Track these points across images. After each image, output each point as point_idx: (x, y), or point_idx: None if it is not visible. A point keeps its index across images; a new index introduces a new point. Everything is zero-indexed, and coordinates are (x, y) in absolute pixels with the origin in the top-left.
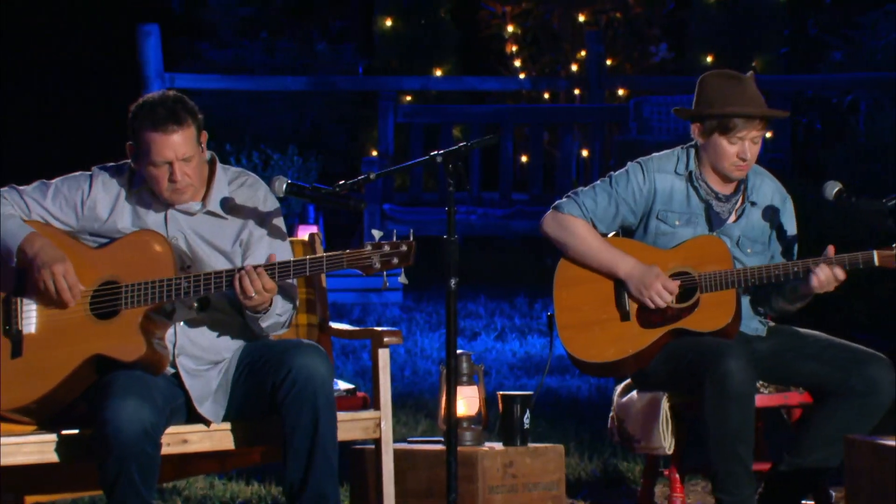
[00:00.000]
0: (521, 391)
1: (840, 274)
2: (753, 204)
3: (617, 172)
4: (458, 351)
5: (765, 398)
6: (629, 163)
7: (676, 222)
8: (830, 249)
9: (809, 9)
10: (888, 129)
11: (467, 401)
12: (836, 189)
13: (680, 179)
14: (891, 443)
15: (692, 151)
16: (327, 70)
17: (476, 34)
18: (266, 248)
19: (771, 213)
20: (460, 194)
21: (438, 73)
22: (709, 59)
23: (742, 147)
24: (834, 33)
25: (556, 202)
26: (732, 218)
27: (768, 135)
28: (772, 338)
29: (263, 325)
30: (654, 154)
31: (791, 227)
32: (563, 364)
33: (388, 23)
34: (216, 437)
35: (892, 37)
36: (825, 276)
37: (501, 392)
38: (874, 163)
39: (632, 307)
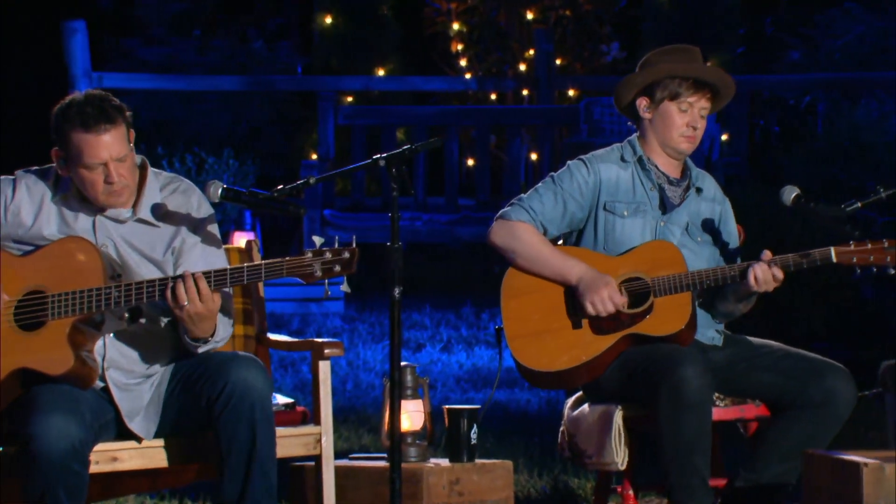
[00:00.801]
0: (468, 405)
1: (778, 273)
2: (699, 191)
3: (558, 171)
4: (403, 363)
5: (720, 411)
6: (569, 161)
7: (625, 212)
8: (767, 254)
9: (766, 7)
10: (846, 132)
11: (412, 415)
12: (794, 194)
13: (625, 168)
14: (851, 457)
15: (635, 140)
16: (264, 69)
17: (420, 32)
18: (199, 255)
19: (714, 207)
20: (404, 199)
21: (381, 72)
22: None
23: (693, 115)
24: (791, 32)
25: (501, 210)
26: (680, 203)
27: (724, 137)
28: (728, 348)
29: (200, 351)
30: (593, 151)
31: (733, 229)
32: (511, 377)
33: (328, 20)
34: (148, 454)
35: (851, 36)
36: (763, 273)
37: (447, 406)
38: (833, 166)
39: (585, 314)
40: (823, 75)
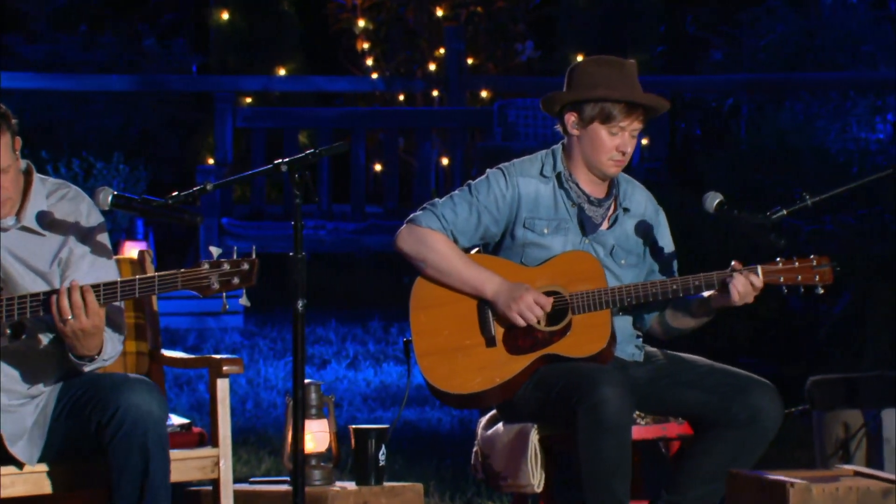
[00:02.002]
0: (376, 424)
1: (757, 281)
2: (626, 210)
3: (476, 180)
4: (306, 381)
5: (641, 430)
6: (489, 169)
7: (545, 230)
8: (737, 265)
9: (687, 4)
10: (771, 136)
11: (316, 436)
12: (717, 201)
13: (546, 183)
14: (776, 477)
15: (559, 152)
16: (156, 68)
17: (323, 29)
18: (88, 267)
19: (645, 226)
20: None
21: (282, 72)
22: (579, 57)
23: (623, 139)
24: (713, 31)
25: (412, 215)
26: (605, 225)
27: (644, 141)
28: (649, 363)
29: (86, 369)
30: (515, 160)
31: (667, 241)
32: (422, 394)
33: (225, 16)
34: (31, 480)
35: (775, 35)
36: (743, 286)
37: (354, 426)
38: (757, 172)
39: (498, 331)
40: (747, 76)
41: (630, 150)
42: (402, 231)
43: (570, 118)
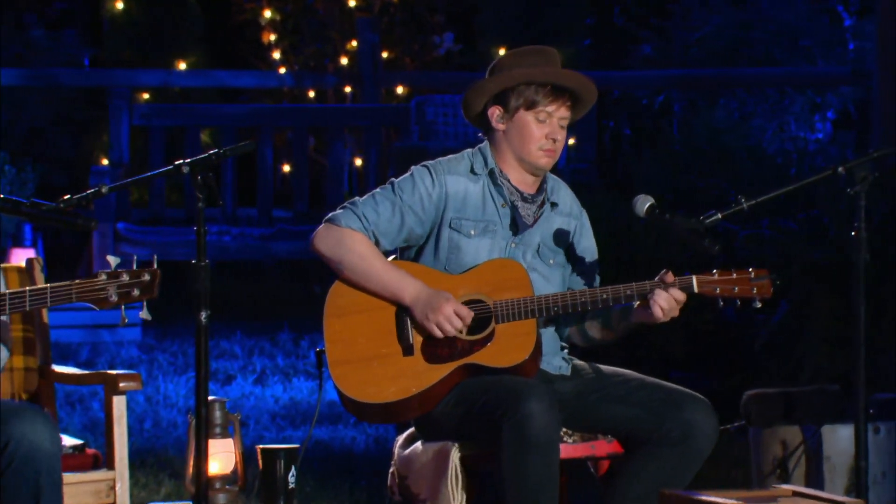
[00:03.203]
0: (286, 444)
1: (679, 295)
2: (554, 206)
3: (400, 178)
4: (210, 398)
5: (568, 448)
6: (413, 167)
7: (472, 231)
8: (669, 276)
9: None
10: (705, 135)
11: (221, 457)
12: (648, 204)
13: (476, 182)
14: (711, 498)
15: (487, 149)
16: (45, 61)
17: (227, 20)
18: None
19: (569, 223)
20: (211, 211)
21: (182, 66)
22: (501, 51)
23: (552, 126)
24: (643, 24)
25: (331, 214)
26: (533, 222)
27: (571, 141)
28: (576, 377)
29: None
30: (441, 158)
31: (591, 245)
32: (335, 411)
33: (120, 5)
34: None
35: (708, 28)
36: (666, 302)
37: (261, 446)
38: (690, 173)
39: (416, 339)
40: (679, 72)
41: (560, 138)
42: (320, 230)
43: (495, 112)
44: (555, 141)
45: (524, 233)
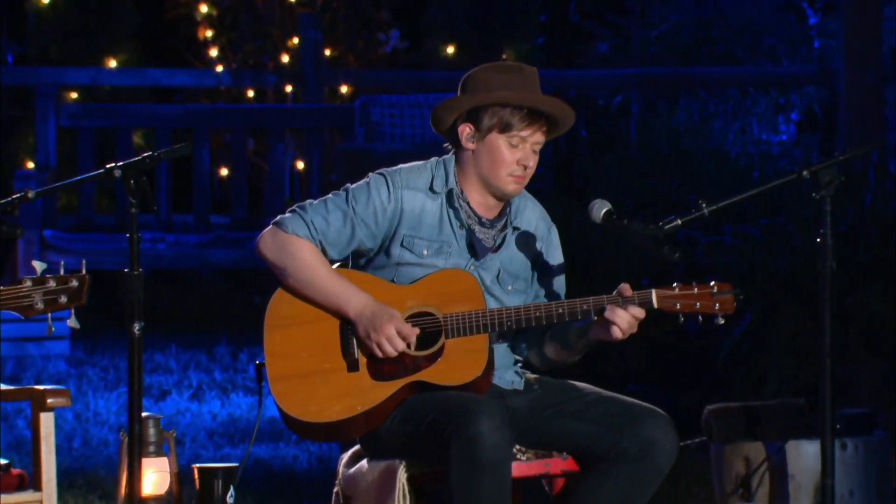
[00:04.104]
0: (224, 463)
1: (638, 312)
2: (516, 230)
3: (355, 185)
4: (144, 414)
5: (522, 466)
6: (371, 174)
7: (425, 252)
8: (627, 289)
9: None
10: (665, 137)
11: (155, 477)
12: (605, 210)
13: (434, 200)
14: None
15: (451, 165)
16: None
17: (160, 16)
18: None
19: (535, 245)
20: (145, 217)
21: (113, 63)
22: (450, 49)
23: (524, 151)
24: (599, 20)
25: (279, 217)
26: (494, 247)
27: None
28: (530, 392)
29: None
30: (403, 166)
31: (558, 263)
32: (275, 428)
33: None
34: None
35: (667, 25)
36: (625, 321)
37: (198, 465)
38: (649, 177)
39: (361, 355)
40: (637, 71)
41: (532, 164)
42: (266, 234)
43: (465, 130)
44: (526, 168)
45: (484, 258)
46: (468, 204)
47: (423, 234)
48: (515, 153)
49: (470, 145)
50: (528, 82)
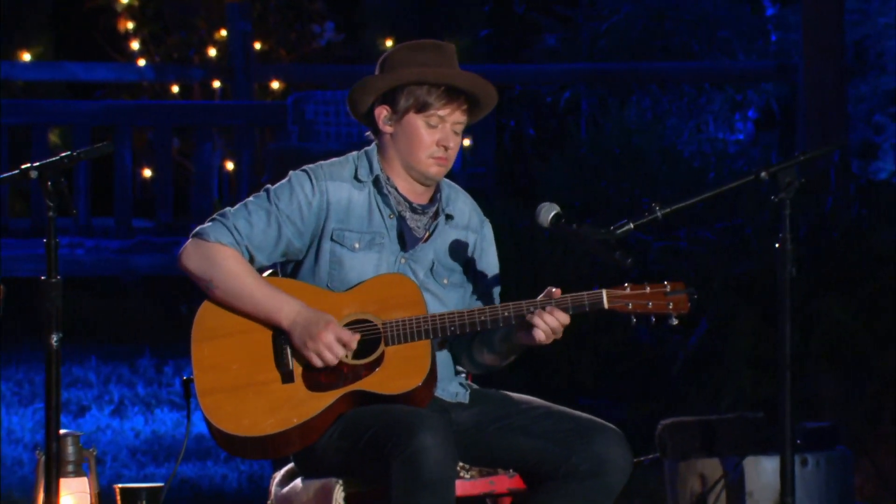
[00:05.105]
0: (148, 483)
1: (564, 318)
2: (449, 218)
3: (277, 184)
4: (62, 431)
5: (466, 485)
6: (291, 172)
7: (356, 245)
8: (556, 292)
9: None
10: (615, 136)
11: (74, 498)
12: (553, 213)
13: (360, 189)
14: None
15: (373, 153)
16: None
17: (78, 6)
18: None
19: (468, 237)
20: (63, 221)
21: (27, 57)
22: (388, 42)
23: (444, 132)
24: (546, 12)
25: (198, 228)
26: (426, 236)
27: (466, 143)
28: (476, 405)
29: None
30: (323, 161)
31: (493, 260)
32: (203, 446)
33: None
34: None
35: (619, 17)
36: (551, 323)
37: (120, 485)
38: (600, 179)
39: (296, 365)
40: (586, 65)
41: (453, 145)
42: (188, 246)
43: (382, 112)
44: (447, 148)
45: (415, 248)
46: (396, 190)
47: (352, 226)
48: (434, 134)
49: (388, 128)
50: (446, 59)
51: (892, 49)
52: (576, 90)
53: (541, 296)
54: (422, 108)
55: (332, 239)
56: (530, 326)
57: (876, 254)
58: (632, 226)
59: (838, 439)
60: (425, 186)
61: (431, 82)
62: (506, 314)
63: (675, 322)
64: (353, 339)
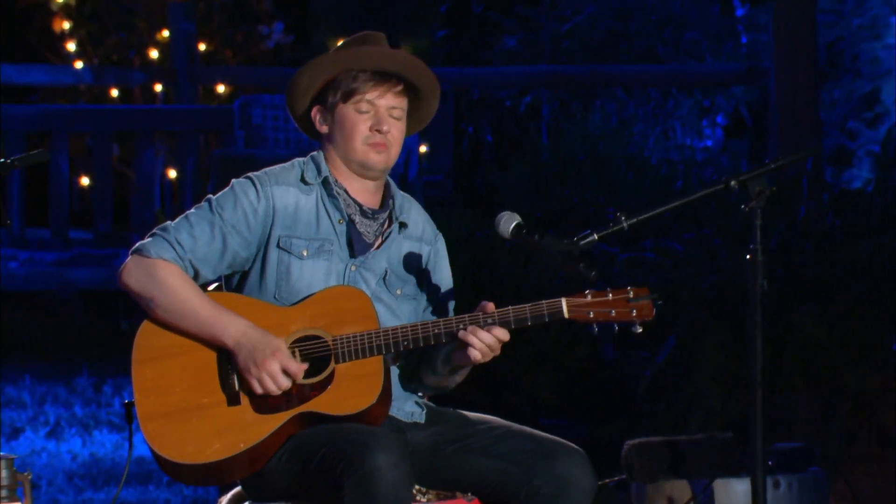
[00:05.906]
0: None
1: (503, 335)
2: (403, 227)
3: (219, 193)
4: None
5: None
6: (234, 180)
7: (304, 252)
8: (489, 306)
9: None
10: (579, 143)
11: None
12: (514, 223)
13: (308, 193)
14: None
15: (320, 158)
16: None
17: (11, 4)
18: None
19: (422, 249)
20: None
21: None
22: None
23: (377, 116)
24: (506, 12)
25: (139, 244)
26: (378, 243)
27: (422, 149)
28: (432, 425)
29: None
30: (267, 168)
31: (446, 274)
32: (145, 469)
33: None
34: None
35: (581, 17)
36: (487, 340)
37: None
38: (562, 187)
39: (242, 387)
40: (548, 68)
41: (390, 129)
42: (129, 264)
43: (316, 114)
44: (380, 132)
45: (367, 255)
46: (346, 192)
47: (299, 232)
48: (366, 119)
49: (324, 128)
50: (372, 44)
51: (867, 52)
52: (537, 94)
53: (475, 311)
54: (348, 95)
55: (278, 246)
56: (465, 345)
57: (850, 266)
58: (596, 237)
59: (812, 460)
60: (374, 181)
61: (355, 68)
62: (461, 326)
63: (640, 330)
64: (300, 370)
